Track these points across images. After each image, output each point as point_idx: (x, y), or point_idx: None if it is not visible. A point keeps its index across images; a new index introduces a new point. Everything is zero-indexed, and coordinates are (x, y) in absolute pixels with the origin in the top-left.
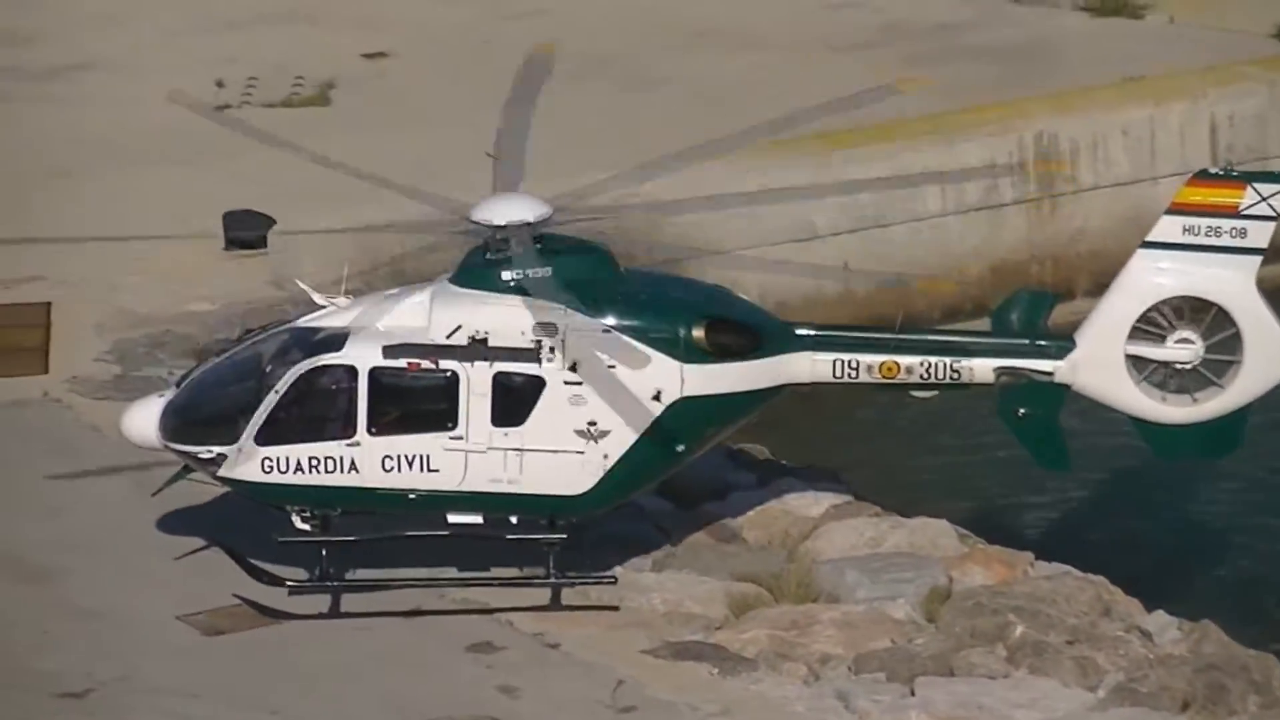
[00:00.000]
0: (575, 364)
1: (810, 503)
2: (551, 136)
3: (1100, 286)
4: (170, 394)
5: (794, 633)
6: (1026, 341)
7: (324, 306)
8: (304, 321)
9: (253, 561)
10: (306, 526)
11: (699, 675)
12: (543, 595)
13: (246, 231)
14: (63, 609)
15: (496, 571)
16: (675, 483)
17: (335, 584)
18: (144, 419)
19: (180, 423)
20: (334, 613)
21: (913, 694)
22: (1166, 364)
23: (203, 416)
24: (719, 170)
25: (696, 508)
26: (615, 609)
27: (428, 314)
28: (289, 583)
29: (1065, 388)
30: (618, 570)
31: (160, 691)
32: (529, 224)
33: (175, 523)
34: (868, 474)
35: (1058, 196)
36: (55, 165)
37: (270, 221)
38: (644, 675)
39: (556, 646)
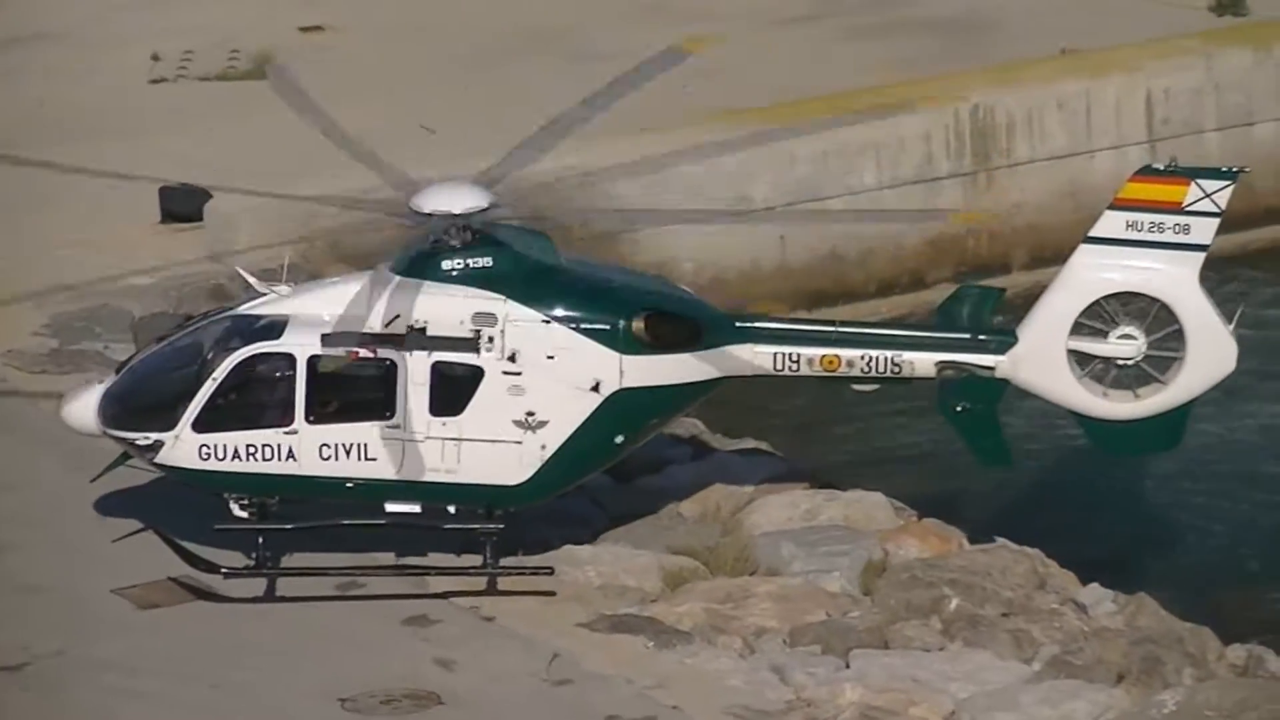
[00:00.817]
0: (514, 354)
1: (745, 476)
2: (495, 110)
3: (1036, 260)
4: (110, 380)
5: (729, 606)
6: (968, 336)
7: (264, 294)
8: (244, 309)
9: (187, 547)
10: (245, 514)
11: (634, 648)
12: (479, 582)
13: (183, 205)
14: (1, 583)
15: (433, 559)
16: None
17: (271, 570)
18: (83, 405)
19: (119, 409)
20: (269, 597)
21: (848, 666)
22: (1108, 360)
23: (141, 403)
24: (659, 143)
25: (633, 481)
26: (552, 594)
27: (367, 302)
28: (223, 569)
29: (1005, 382)
30: (553, 555)
31: (97, 665)
32: (470, 213)
33: (113, 497)
34: (803, 447)
35: (994, 170)
36: None
37: (206, 196)
38: (580, 648)
39: (492, 620)
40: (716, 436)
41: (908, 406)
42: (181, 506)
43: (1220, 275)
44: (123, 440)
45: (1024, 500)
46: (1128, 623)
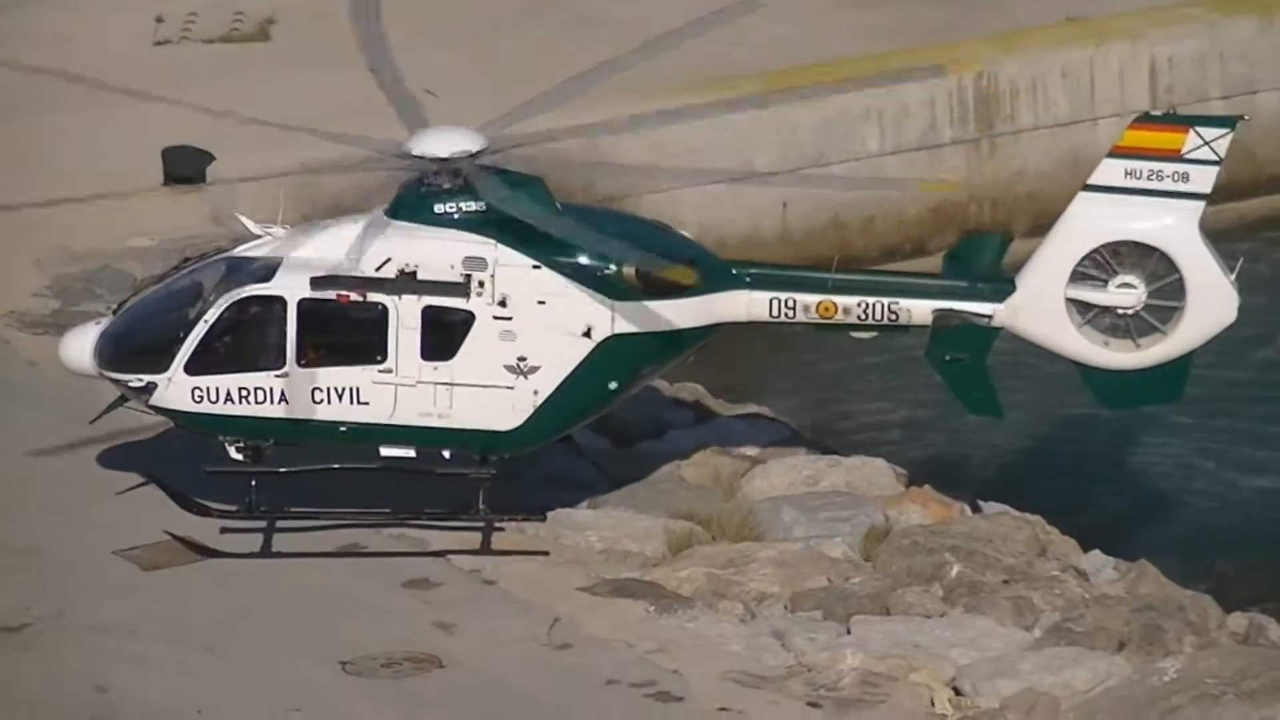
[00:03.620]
0: (505, 299)
1: (747, 441)
2: (483, 77)
3: (1039, 228)
4: (106, 321)
5: (730, 571)
6: (966, 284)
7: (260, 236)
8: (239, 251)
9: (182, 492)
10: (240, 457)
11: (635, 613)
12: (473, 537)
13: (186, 167)
14: None
15: (428, 508)
16: (612, 421)
17: (264, 512)
18: (80, 346)
19: (114, 350)
20: (265, 552)
21: (849, 632)
22: (1108, 309)
23: (136, 344)
24: (658, 111)
25: (633, 446)
26: (545, 554)
27: (359, 246)
28: (214, 510)
29: (997, 331)
30: (553, 518)
31: (96, 627)
32: (463, 156)
33: (113, 458)
34: (805, 412)
35: (997, 137)
36: None
37: (210, 158)
38: (580, 613)
39: (493, 584)
40: (718, 401)
41: (910, 372)
42: (180, 455)
43: (1222, 245)
44: (117, 382)
45: (1026, 467)
46: (1129, 590)
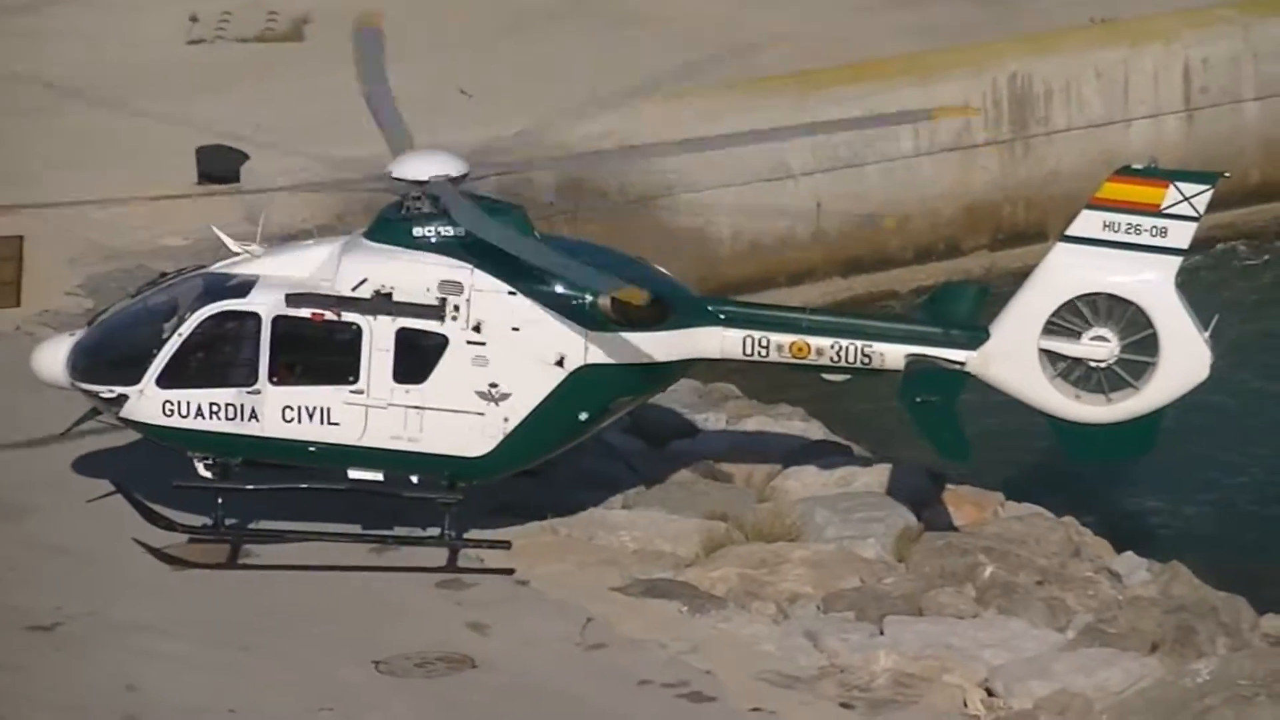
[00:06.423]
0: (479, 324)
1: (781, 441)
2: (524, 73)
3: None
4: (81, 332)
5: (763, 571)
6: (940, 330)
7: (238, 253)
8: (216, 267)
9: (148, 505)
10: (209, 474)
11: (668, 613)
12: (439, 555)
13: (220, 166)
14: (31, 545)
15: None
16: (645, 421)
17: (230, 529)
18: (52, 357)
19: (87, 362)
20: (232, 563)
21: (882, 633)
22: (1080, 361)
23: (108, 356)
24: (693, 112)
25: (667, 446)
26: (511, 571)
27: (336, 265)
28: (180, 525)
29: (968, 376)
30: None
31: (129, 626)
32: (442, 180)
33: (142, 458)
34: (838, 412)
35: (1030, 138)
36: (26, 101)
37: (243, 157)
38: (614, 613)
39: (526, 584)
40: (752, 402)
41: None
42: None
43: (1256, 248)
44: (89, 393)
45: (1059, 468)
46: (1162, 592)
